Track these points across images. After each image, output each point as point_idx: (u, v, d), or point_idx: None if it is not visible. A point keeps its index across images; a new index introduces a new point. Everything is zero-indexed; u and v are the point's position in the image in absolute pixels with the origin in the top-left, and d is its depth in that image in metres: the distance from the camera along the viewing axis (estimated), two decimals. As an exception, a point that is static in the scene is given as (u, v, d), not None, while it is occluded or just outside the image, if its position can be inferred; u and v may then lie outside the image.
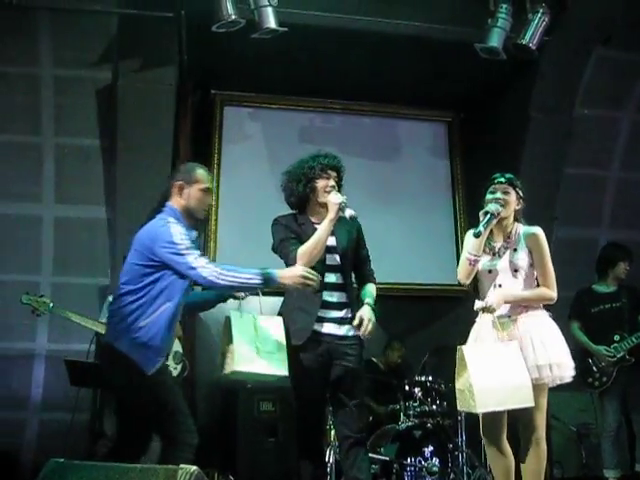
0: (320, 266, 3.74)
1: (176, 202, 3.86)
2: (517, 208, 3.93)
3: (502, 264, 3.81)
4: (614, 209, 7.30)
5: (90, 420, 5.58)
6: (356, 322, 3.73)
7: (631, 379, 5.59)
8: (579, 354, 5.76)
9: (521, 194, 3.96)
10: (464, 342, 6.10)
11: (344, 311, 3.85)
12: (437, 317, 7.37)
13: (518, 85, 7.03)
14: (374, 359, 6.74)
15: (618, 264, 5.82)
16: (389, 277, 7.27)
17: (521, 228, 3.90)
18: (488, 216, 3.75)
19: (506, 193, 3.89)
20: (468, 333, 6.78)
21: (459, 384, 3.61)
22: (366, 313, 3.76)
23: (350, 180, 7.24)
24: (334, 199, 3.78)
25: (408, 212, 7.52)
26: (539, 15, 5.82)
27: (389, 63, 6.80)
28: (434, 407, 5.79)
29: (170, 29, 6.00)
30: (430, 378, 5.88)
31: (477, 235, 3.71)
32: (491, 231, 3.85)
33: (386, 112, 7.85)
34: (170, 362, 5.50)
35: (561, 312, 6.04)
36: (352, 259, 3.96)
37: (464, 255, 3.83)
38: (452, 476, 5.47)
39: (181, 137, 6.70)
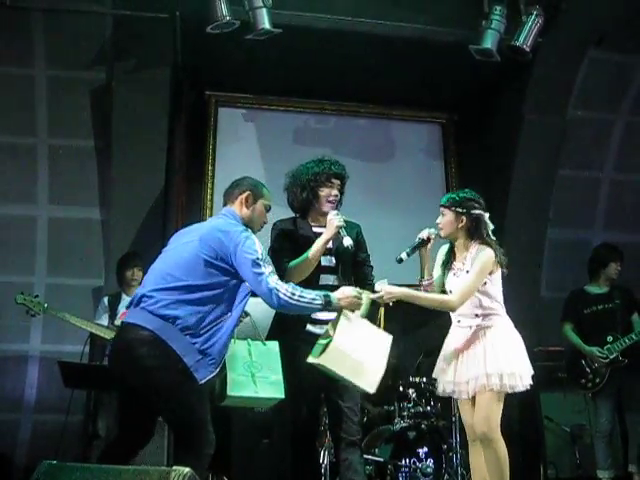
0: (315, 269, 3.78)
1: (241, 211, 3.61)
2: (462, 226, 3.97)
3: (457, 285, 3.94)
4: (607, 211, 7.33)
5: (83, 422, 5.57)
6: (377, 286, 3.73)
7: (624, 380, 5.60)
8: (572, 355, 5.79)
9: (462, 212, 3.97)
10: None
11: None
12: (431, 318, 7.35)
13: (512, 87, 7.05)
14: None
15: (609, 265, 5.83)
16: (382, 278, 7.28)
17: (476, 247, 3.95)
18: (416, 241, 4.01)
19: (442, 215, 4.02)
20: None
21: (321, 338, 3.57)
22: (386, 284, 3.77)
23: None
24: (335, 221, 3.76)
25: (401, 213, 7.51)
26: (533, 17, 5.84)
27: (383, 64, 6.80)
28: (428, 408, 5.79)
29: (165, 30, 6.00)
30: (424, 379, 5.88)
31: (398, 261, 3.96)
32: (453, 252, 4.05)
33: (380, 113, 7.84)
34: None
35: (554, 314, 6.08)
36: (350, 262, 3.96)
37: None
38: (446, 477, 5.46)
39: (176, 137, 6.70)
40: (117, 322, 5.41)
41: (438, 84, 7.24)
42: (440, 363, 4.10)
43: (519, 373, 3.84)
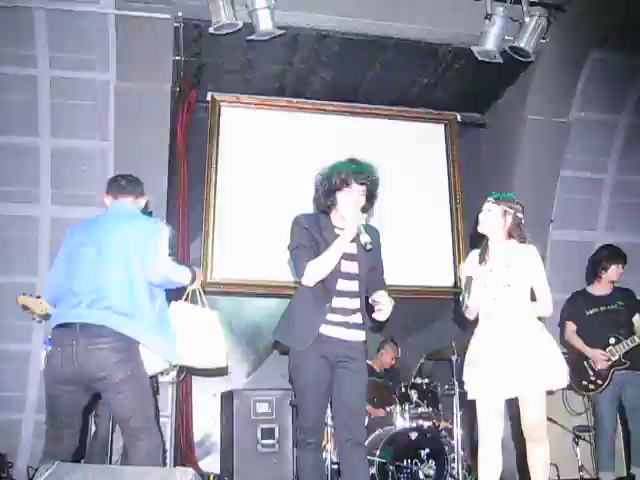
0: (336, 273, 3.72)
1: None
2: (506, 224, 4.07)
3: (496, 279, 4.00)
4: (610, 212, 7.32)
5: (84, 422, 5.57)
6: (376, 298, 3.74)
7: (626, 382, 5.59)
8: (574, 357, 5.77)
9: (511, 210, 4.09)
10: (460, 345, 6.15)
11: (353, 316, 3.81)
12: (434, 319, 7.38)
13: (515, 88, 7.05)
14: (369, 362, 6.74)
15: (611, 267, 5.82)
16: (386, 279, 7.29)
17: (516, 245, 4.07)
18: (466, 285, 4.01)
19: (489, 210, 4.09)
20: (464, 336, 6.80)
21: None
22: (384, 295, 3.79)
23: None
24: (354, 220, 3.71)
25: (405, 213, 7.51)
26: (536, 18, 5.85)
27: (387, 65, 6.81)
28: (430, 409, 5.80)
29: (167, 31, 6.00)
30: (426, 380, 5.89)
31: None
32: (486, 248, 4.13)
33: (384, 114, 7.84)
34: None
35: (556, 315, 6.06)
36: (370, 268, 3.90)
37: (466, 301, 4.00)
38: (448, 479, 5.47)
39: (178, 138, 6.71)
40: None
41: (441, 85, 7.25)
42: (485, 364, 3.98)
43: (564, 371, 3.96)
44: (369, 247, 3.65)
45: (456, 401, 5.70)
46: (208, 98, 7.37)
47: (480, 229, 4.12)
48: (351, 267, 3.79)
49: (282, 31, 5.51)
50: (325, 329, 3.72)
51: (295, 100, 7.59)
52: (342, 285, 3.76)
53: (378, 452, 5.50)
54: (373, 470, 5.41)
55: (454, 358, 5.85)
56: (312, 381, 3.72)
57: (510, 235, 4.08)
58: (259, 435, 6.02)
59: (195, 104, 7.16)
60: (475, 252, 4.23)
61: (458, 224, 7.70)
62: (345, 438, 3.71)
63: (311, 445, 3.75)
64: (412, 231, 7.54)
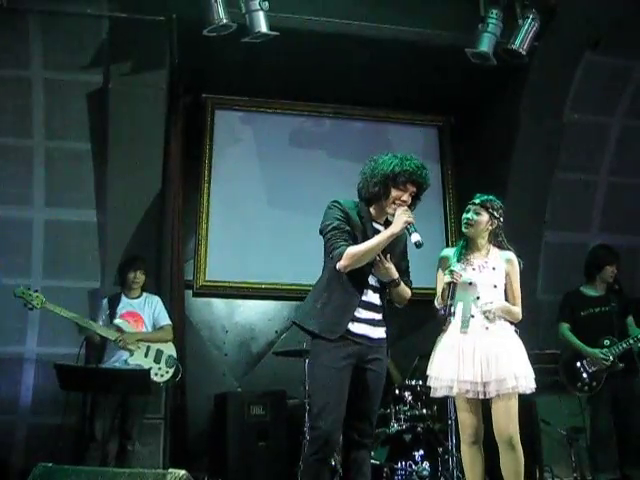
0: (369, 267, 3.63)
1: None
2: (490, 229, 4.20)
3: (483, 279, 4.11)
4: (604, 214, 7.33)
5: (79, 424, 5.56)
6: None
7: (620, 383, 5.60)
8: (568, 359, 5.77)
9: (497, 216, 4.22)
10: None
11: (380, 314, 3.73)
12: (427, 321, 7.34)
13: (508, 90, 7.06)
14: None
15: (605, 268, 5.83)
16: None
17: (496, 250, 4.21)
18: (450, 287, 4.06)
19: (477, 214, 4.20)
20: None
21: None
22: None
23: (340, 184, 7.29)
24: (404, 216, 3.59)
25: (399, 216, 7.53)
26: (529, 20, 5.85)
27: (380, 67, 6.82)
28: (424, 411, 5.79)
29: (161, 33, 6.02)
30: (420, 382, 5.88)
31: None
32: (468, 247, 4.23)
33: (377, 116, 7.87)
34: (162, 366, 5.50)
35: (550, 316, 6.07)
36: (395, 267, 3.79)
37: (438, 299, 4.21)
38: (442, 480, 5.48)
39: (172, 140, 6.70)
40: (116, 321, 5.48)
41: (434, 87, 7.26)
42: (445, 362, 4.05)
43: (531, 375, 4.01)
44: (419, 245, 3.60)
45: (451, 402, 5.71)
46: (203, 100, 7.39)
47: (466, 231, 4.20)
48: (376, 281, 3.74)
49: (276, 33, 5.50)
50: (354, 326, 3.60)
51: (290, 102, 7.61)
52: (372, 280, 3.70)
53: (373, 454, 5.50)
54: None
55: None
56: (331, 381, 3.53)
57: (491, 239, 4.21)
58: (253, 437, 6.01)
59: (190, 106, 7.16)
60: (446, 255, 4.31)
61: (452, 225, 7.71)
62: (352, 439, 3.63)
63: (320, 454, 3.48)
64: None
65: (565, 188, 7.21)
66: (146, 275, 5.77)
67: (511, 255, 4.19)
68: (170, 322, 5.75)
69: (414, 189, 3.73)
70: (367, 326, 3.65)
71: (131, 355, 5.40)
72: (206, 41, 5.60)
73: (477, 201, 4.22)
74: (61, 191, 6.38)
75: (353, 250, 3.53)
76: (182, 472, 2.74)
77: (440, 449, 5.58)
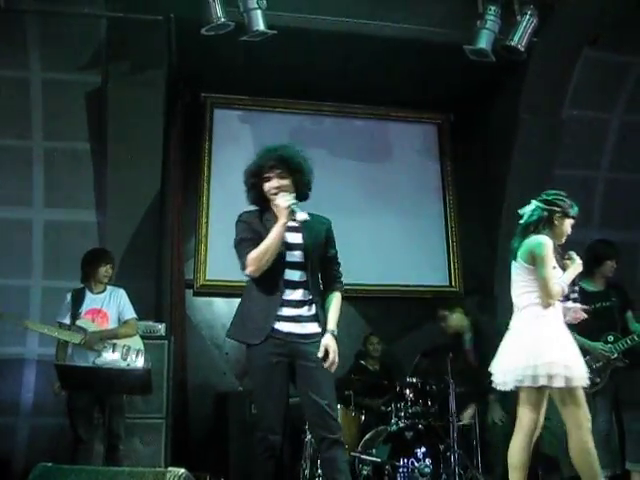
0: (280, 264, 3.64)
1: None
2: None
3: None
4: (603, 210, 7.34)
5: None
6: (321, 354, 3.59)
7: (623, 380, 5.58)
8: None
9: None
10: (454, 343, 6.15)
11: (306, 308, 3.70)
12: (428, 318, 7.37)
13: (507, 86, 7.06)
14: (362, 362, 6.74)
15: (605, 262, 5.80)
16: (380, 278, 7.31)
17: None
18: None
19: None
20: (458, 334, 6.78)
21: None
22: (331, 345, 3.63)
23: (341, 181, 7.34)
24: (281, 202, 3.61)
25: (399, 213, 7.54)
26: (527, 17, 5.85)
27: (380, 65, 6.82)
28: (425, 408, 5.80)
29: (159, 32, 6.01)
30: (421, 379, 5.89)
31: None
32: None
33: (377, 114, 7.87)
34: (130, 362, 5.34)
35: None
36: (318, 258, 3.78)
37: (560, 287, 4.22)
38: (444, 477, 5.46)
39: (171, 139, 6.71)
40: (79, 323, 5.29)
41: (434, 85, 7.26)
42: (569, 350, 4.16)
43: None
44: (304, 220, 3.62)
45: (452, 400, 5.71)
46: (202, 99, 7.38)
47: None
48: (295, 256, 3.70)
49: (274, 32, 5.50)
50: (279, 325, 3.62)
51: (290, 101, 7.61)
52: (290, 275, 3.67)
53: (374, 451, 5.50)
54: (369, 470, 5.42)
55: (449, 357, 5.87)
56: (265, 381, 3.61)
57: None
58: (254, 437, 6.00)
59: (189, 105, 7.15)
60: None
61: (452, 222, 7.72)
62: (320, 437, 3.60)
63: (269, 451, 3.59)
64: (406, 231, 7.56)
65: (564, 185, 7.15)
66: (113, 268, 5.60)
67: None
68: (135, 315, 5.53)
69: (278, 170, 3.69)
70: (294, 324, 3.65)
71: (98, 355, 5.22)
72: (204, 40, 5.60)
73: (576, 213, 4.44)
74: (60, 191, 6.39)
75: (253, 254, 3.60)
76: (182, 470, 2.74)
77: (442, 446, 5.58)
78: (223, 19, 5.40)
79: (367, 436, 5.74)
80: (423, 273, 7.56)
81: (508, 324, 4.37)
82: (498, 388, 4.26)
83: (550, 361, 4.00)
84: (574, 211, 4.39)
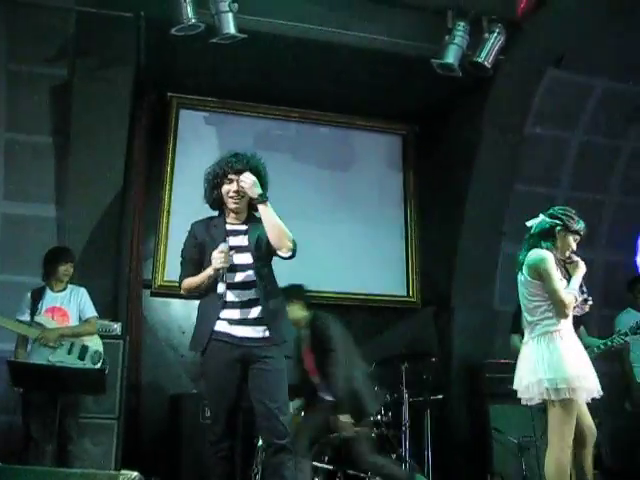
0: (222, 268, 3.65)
1: None
2: None
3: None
4: (562, 227, 7.44)
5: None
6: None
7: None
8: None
9: None
10: (411, 353, 6.17)
11: (256, 310, 3.68)
12: (384, 328, 7.43)
13: (472, 102, 7.14)
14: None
15: None
16: (339, 286, 7.33)
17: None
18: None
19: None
20: (415, 344, 6.84)
21: None
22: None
23: (304, 188, 7.36)
24: (216, 263, 3.61)
25: (360, 222, 7.58)
26: (495, 35, 5.94)
27: (348, 75, 6.85)
28: (379, 417, 5.82)
29: (129, 30, 5.96)
30: (376, 388, 5.91)
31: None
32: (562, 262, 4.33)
33: (343, 122, 7.91)
34: (87, 362, 5.26)
35: (506, 327, 6.14)
36: (266, 257, 3.78)
37: (572, 295, 4.14)
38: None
39: (136, 138, 6.67)
40: (38, 318, 5.23)
41: (400, 96, 7.32)
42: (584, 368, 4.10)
43: None
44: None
45: (405, 409, 5.75)
46: (168, 99, 7.35)
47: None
48: (242, 259, 3.71)
49: (245, 35, 5.50)
50: (226, 328, 3.63)
51: (256, 105, 7.61)
52: (231, 278, 3.67)
53: (327, 459, 5.50)
54: (321, 478, 5.42)
55: (403, 367, 5.91)
56: (217, 386, 3.65)
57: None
58: (206, 438, 5.97)
59: (155, 104, 7.11)
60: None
61: (412, 233, 7.79)
62: (267, 442, 3.60)
63: (221, 453, 3.62)
64: (366, 239, 7.60)
65: (524, 200, 7.31)
66: (74, 267, 5.53)
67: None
68: (96, 314, 5.49)
69: (238, 176, 3.74)
70: (248, 327, 3.65)
71: (52, 352, 5.14)
72: (173, 40, 5.59)
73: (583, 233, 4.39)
74: (20, 185, 6.30)
75: (185, 283, 3.79)
76: (134, 474, 2.71)
77: (394, 455, 5.61)
78: (194, 20, 5.39)
79: (319, 444, 5.75)
80: (382, 283, 7.61)
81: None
82: (524, 403, 4.26)
83: (573, 374, 4.00)
84: (578, 226, 4.35)
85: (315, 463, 5.45)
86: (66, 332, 5.25)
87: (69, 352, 5.24)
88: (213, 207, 3.94)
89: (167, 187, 7.15)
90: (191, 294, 3.84)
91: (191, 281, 3.74)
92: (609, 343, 5.58)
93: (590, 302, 4.30)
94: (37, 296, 5.33)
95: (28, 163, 6.30)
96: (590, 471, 4.13)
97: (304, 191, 7.31)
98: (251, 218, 3.87)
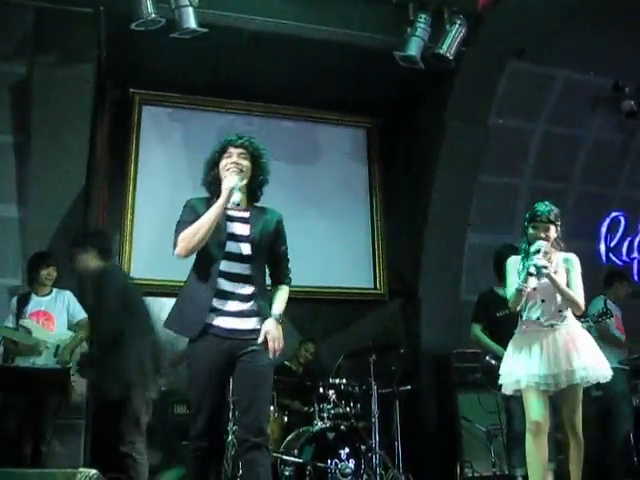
0: (218, 253, 3.51)
1: None
2: (555, 237, 4.43)
3: (545, 283, 4.33)
4: (526, 217, 7.52)
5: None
6: (261, 339, 3.44)
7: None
8: (485, 358, 5.85)
9: (559, 224, 4.45)
10: (379, 345, 6.19)
11: (249, 304, 3.53)
12: (352, 320, 7.45)
13: (435, 94, 7.19)
14: (287, 363, 6.73)
15: None
16: (306, 280, 7.30)
17: (559, 254, 4.46)
18: (534, 274, 4.24)
19: (547, 230, 4.38)
20: (383, 336, 6.88)
21: None
22: (272, 330, 3.47)
23: (269, 183, 7.32)
24: (226, 183, 3.51)
25: (326, 216, 7.59)
26: (456, 26, 5.97)
27: (311, 68, 6.85)
28: (348, 409, 5.85)
29: (89, 25, 5.90)
30: (344, 381, 5.94)
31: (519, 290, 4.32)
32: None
33: (307, 116, 7.90)
34: (73, 365, 5.27)
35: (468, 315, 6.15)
36: (266, 252, 3.65)
37: (515, 287, 4.34)
38: (365, 477, 5.53)
39: (98, 135, 6.60)
40: (23, 322, 5.28)
41: (363, 89, 7.32)
42: (516, 359, 4.37)
43: (601, 366, 4.28)
44: (236, 204, 3.51)
45: (374, 401, 5.78)
46: (130, 95, 7.28)
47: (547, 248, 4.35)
48: (240, 248, 3.56)
49: (205, 30, 5.46)
50: (220, 320, 3.47)
51: (220, 100, 7.57)
52: (227, 266, 3.52)
53: (297, 452, 5.52)
54: (291, 470, 5.43)
55: (372, 359, 5.93)
56: (201, 380, 3.46)
57: (555, 245, 4.45)
58: (176, 437, 5.95)
59: (117, 101, 7.04)
60: (515, 261, 4.49)
61: (378, 226, 7.82)
62: (243, 438, 3.45)
63: (199, 452, 3.49)
64: (332, 233, 7.61)
65: (489, 191, 7.38)
66: (57, 271, 5.55)
67: (570, 255, 4.45)
68: (86, 315, 5.53)
69: (239, 150, 3.65)
70: (237, 319, 3.50)
71: (38, 356, 5.18)
72: (134, 35, 5.53)
73: (545, 218, 4.38)
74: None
75: (183, 233, 3.45)
76: (92, 471, 2.69)
77: (363, 447, 5.64)
78: (154, 15, 5.34)
79: (289, 437, 5.77)
80: (348, 275, 7.63)
81: None
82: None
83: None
84: (530, 215, 4.45)
85: (285, 457, 5.48)
86: (75, 345, 5.36)
87: (55, 356, 5.28)
88: (210, 190, 3.72)
89: (131, 184, 7.10)
90: (191, 252, 3.47)
91: (191, 228, 3.44)
92: None
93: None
94: (23, 302, 5.40)
95: (-9, 163, 6.22)
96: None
97: (268, 186, 7.27)
98: (253, 207, 3.72)
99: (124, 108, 7.20)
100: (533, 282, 4.31)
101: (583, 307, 4.37)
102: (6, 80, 6.10)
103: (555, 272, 4.33)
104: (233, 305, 3.52)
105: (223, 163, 3.63)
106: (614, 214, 8.20)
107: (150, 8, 5.31)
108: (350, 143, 8.11)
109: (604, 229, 8.19)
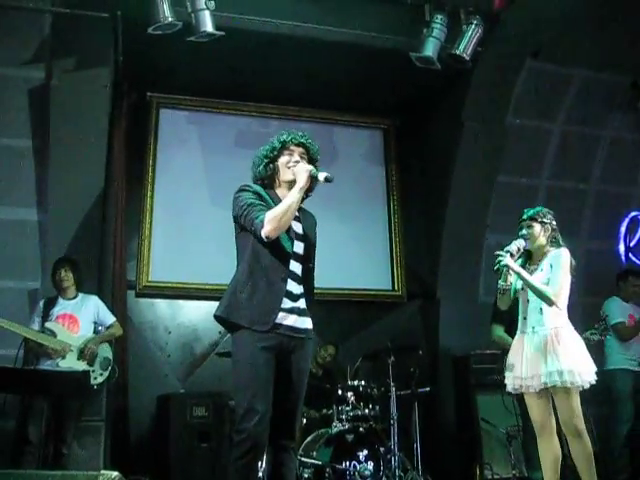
0: (286, 253, 3.46)
1: None
2: (547, 235, 4.45)
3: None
4: (544, 217, 7.48)
5: (16, 427, 5.43)
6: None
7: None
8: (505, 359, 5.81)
9: (547, 222, 4.48)
10: (397, 346, 6.17)
11: (301, 302, 3.52)
12: (370, 322, 7.43)
13: (452, 94, 7.16)
14: (307, 365, 6.72)
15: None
16: (324, 282, 7.27)
17: (552, 251, 4.42)
18: (502, 270, 4.38)
19: (529, 227, 4.45)
20: (401, 338, 6.86)
21: None
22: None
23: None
24: (301, 168, 3.48)
25: (344, 218, 7.57)
26: (473, 27, 5.95)
27: (327, 70, 6.85)
28: (367, 411, 5.83)
29: (106, 29, 5.93)
30: (363, 382, 5.92)
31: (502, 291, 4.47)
32: (529, 256, 4.50)
33: (323, 118, 7.90)
34: (96, 368, 5.40)
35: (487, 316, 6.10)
36: (312, 251, 3.67)
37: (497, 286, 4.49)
38: (384, 479, 5.51)
39: (115, 139, 6.62)
40: (48, 325, 5.36)
41: (380, 90, 7.32)
42: (513, 362, 4.41)
43: (586, 368, 4.20)
44: (330, 180, 3.50)
45: (393, 403, 5.77)
46: (147, 99, 7.32)
47: (528, 246, 4.44)
48: (298, 247, 3.55)
49: (222, 33, 5.48)
50: (280, 316, 3.38)
51: (237, 102, 7.59)
52: (292, 266, 3.49)
53: (315, 454, 5.52)
54: (310, 472, 5.43)
55: (390, 361, 5.92)
56: (259, 379, 3.29)
57: (550, 244, 4.47)
58: (195, 439, 5.97)
59: (134, 105, 7.07)
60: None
61: (396, 227, 7.79)
62: (276, 441, 3.36)
63: (251, 453, 3.20)
64: (350, 234, 7.60)
65: (507, 192, 7.33)
66: (74, 273, 5.61)
67: (558, 251, 4.38)
68: (115, 318, 5.74)
69: (301, 149, 3.63)
70: (294, 316, 3.45)
71: (63, 358, 5.26)
72: (151, 39, 5.55)
73: (525, 217, 4.49)
74: (1, 189, 6.24)
75: (271, 213, 3.36)
76: (115, 473, 2.67)
77: (382, 449, 5.63)
78: (170, 19, 5.36)
79: (308, 439, 5.76)
80: (366, 277, 7.61)
81: None
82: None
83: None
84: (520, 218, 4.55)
85: (304, 459, 5.48)
86: (103, 338, 5.57)
87: (78, 358, 5.36)
88: (263, 184, 3.64)
89: (149, 187, 7.13)
90: (279, 234, 3.38)
91: (278, 210, 3.36)
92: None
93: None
94: (49, 304, 5.52)
95: (8, 167, 6.24)
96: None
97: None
98: (300, 208, 3.67)
99: (141, 112, 7.24)
100: (511, 279, 4.40)
101: (556, 301, 4.22)
102: (25, 85, 6.13)
103: (541, 270, 4.34)
104: (294, 303, 3.49)
105: (285, 159, 3.59)
106: (633, 213, 8.11)
107: (167, 12, 5.34)
108: (367, 144, 8.10)
109: (623, 229, 8.11)
